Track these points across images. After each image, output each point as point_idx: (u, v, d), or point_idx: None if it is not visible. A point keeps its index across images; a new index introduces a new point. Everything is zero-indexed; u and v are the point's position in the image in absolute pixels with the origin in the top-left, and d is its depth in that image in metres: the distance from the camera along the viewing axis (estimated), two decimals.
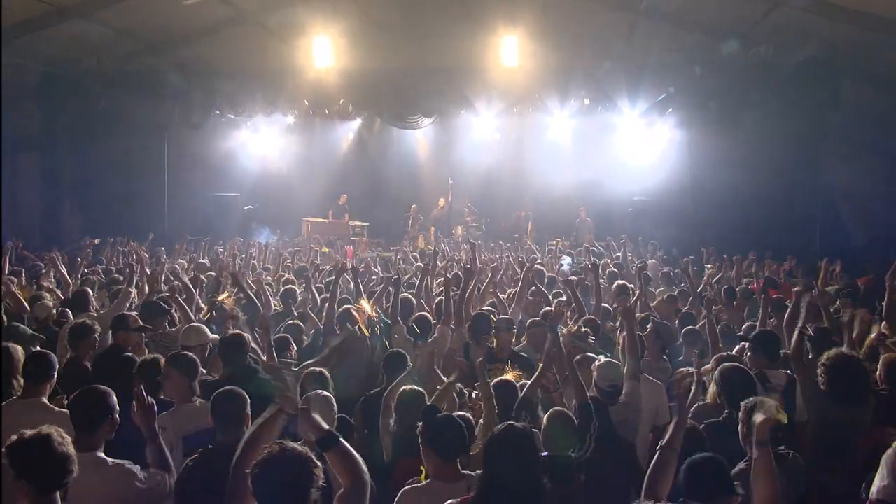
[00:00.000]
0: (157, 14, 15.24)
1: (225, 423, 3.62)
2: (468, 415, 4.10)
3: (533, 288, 7.63)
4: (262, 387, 4.07)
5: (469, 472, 3.48)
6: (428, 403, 4.28)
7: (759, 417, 3.14)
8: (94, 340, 5.45)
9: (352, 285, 8.06)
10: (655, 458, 3.27)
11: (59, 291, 8.07)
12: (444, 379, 4.73)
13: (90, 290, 7.52)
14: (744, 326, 6.65)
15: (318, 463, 2.62)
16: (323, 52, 15.78)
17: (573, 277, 7.92)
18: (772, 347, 5.09)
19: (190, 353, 4.56)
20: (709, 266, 11.83)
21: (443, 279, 7.15)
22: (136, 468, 3.46)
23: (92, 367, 5.13)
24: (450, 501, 3.10)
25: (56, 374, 4.35)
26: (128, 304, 6.92)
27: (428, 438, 3.47)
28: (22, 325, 5.75)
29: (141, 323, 5.67)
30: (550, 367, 4.70)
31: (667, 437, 3.29)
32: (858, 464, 3.94)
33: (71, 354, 5.34)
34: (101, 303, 7.73)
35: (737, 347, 5.62)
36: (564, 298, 7.17)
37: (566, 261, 11.45)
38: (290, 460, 2.57)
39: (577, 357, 4.88)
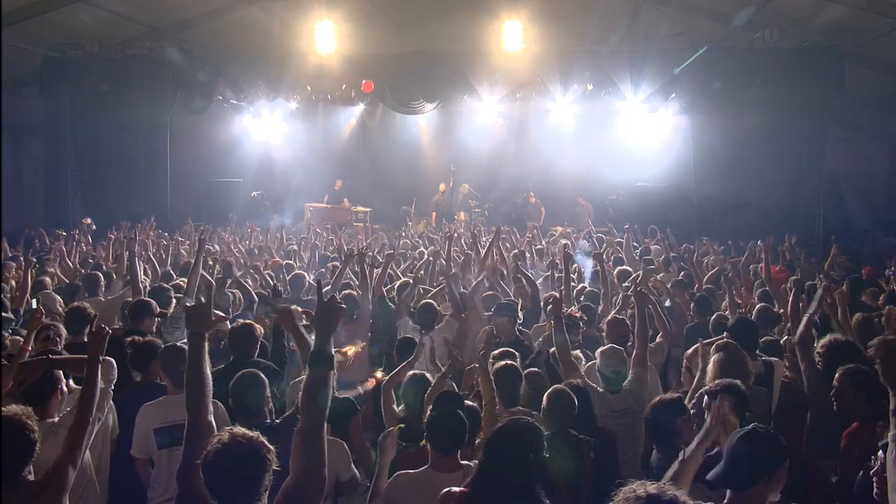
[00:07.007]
0: None
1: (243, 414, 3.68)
2: (474, 404, 4.09)
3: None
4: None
5: (468, 462, 3.48)
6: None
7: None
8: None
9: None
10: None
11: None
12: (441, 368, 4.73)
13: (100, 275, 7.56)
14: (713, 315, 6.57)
15: (271, 447, 2.54)
16: (325, 37, 15.68)
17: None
18: (750, 336, 5.01)
19: (177, 345, 4.33)
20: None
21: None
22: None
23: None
24: (445, 490, 3.09)
25: None
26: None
27: (427, 429, 3.52)
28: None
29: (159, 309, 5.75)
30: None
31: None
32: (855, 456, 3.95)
33: (69, 339, 5.26)
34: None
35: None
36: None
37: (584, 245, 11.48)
38: (242, 447, 2.48)
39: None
